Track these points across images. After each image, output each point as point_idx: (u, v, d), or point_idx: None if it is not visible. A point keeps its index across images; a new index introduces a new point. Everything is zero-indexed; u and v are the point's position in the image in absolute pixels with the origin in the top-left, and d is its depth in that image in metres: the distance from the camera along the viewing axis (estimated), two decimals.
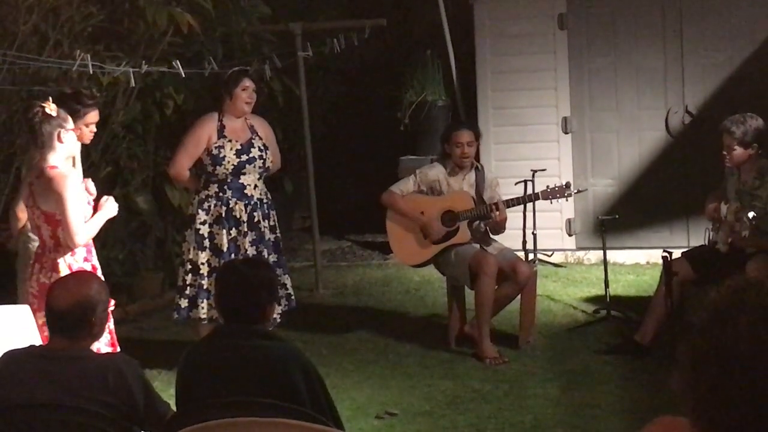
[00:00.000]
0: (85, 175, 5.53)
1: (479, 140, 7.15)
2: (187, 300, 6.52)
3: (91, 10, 7.54)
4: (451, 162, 7.02)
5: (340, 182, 12.02)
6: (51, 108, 5.02)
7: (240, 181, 6.50)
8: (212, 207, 6.50)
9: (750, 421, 1.87)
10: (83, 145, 5.98)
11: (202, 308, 6.47)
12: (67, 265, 5.08)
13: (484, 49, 9.77)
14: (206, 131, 6.53)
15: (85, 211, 5.09)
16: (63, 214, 4.93)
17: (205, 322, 6.47)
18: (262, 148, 6.58)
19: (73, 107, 5.57)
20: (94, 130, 5.86)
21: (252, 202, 6.51)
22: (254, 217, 6.50)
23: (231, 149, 6.48)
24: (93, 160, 7.87)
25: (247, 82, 6.56)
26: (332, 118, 11.84)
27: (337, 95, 12.03)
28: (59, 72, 7.09)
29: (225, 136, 6.51)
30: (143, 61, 7.37)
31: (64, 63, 6.90)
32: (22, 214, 5.59)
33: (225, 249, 6.44)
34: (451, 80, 10.50)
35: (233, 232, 6.47)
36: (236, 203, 6.48)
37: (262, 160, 6.55)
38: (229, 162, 6.47)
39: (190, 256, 6.51)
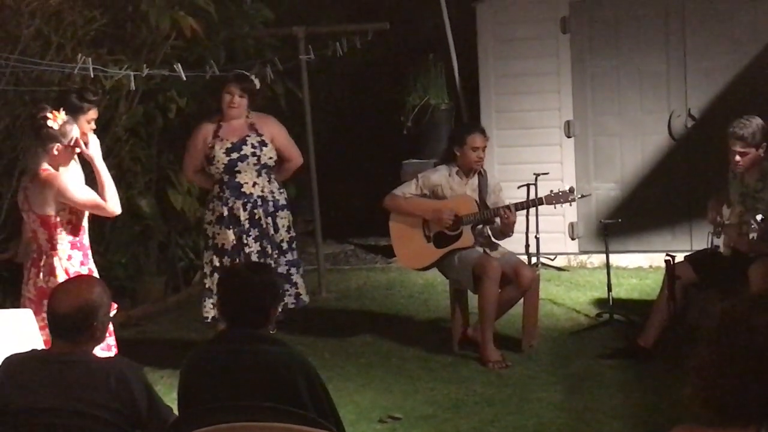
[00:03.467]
0: (88, 178, 5.54)
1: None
2: (210, 301, 6.56)
3: (93, 14, 7.55)
4: (456, 165, 7.01)
5: (343, 186, 12.01)
6: (55, 121, 5.05)
7: (236, 179, 6.54)
8: (215, 207, 6.59)
9: None
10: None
11: (205, 308, 6.54)
12: (63, 269, 5.09)
13: (486, 53, 9.76)
14: (202, 134, 6.64)
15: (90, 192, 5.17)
16: (77, 203, 5.03)
17: (208, 320, 6.53)
18: (257, 144, 6.57)
19: (76, 104, 5.64)
20: (94, 126, 5.89)
21: (252, 200, 6.54)
22: (255, 214, 6.53)
23: (221, 148, 6.54)
24: None
25: (232, 88, 6.55)
26: (335, 122, 11.85)
27: (340, 98, 12.04)
28: (62, 76, 7.10)
29: (218, 137, 6.58)
30: (145, 65, 7.38)
31: (66, 67, 6.91)
32: None
33: (230, 248, 6.50)
34: (454, 84, 10.51)
35: (237, 231, 6.51)
36: (235, 202, 6.52)
37: (255, 157, 6.55)
38: (219, 161, 6.53)
39: (204, 258, 6.67)
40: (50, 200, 5.05)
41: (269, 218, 6.58)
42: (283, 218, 6.67)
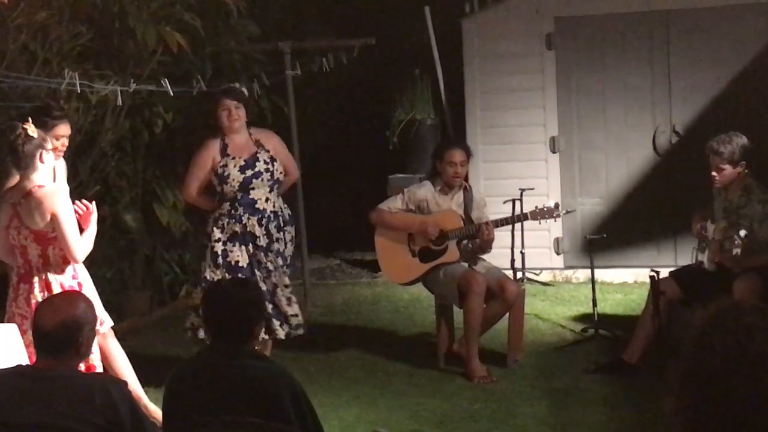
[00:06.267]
0: (73, 193, 5.54)
1: (470, 159, 7.15)
2: (200, 319, 6.54)
3: (80, 29, 7.57)
4: (440, 180, 7.03)
5: (330, 200, 12.02)
6: (32, 129, 5.05)
7: (250, 196, 6.51)
8: (226, 225, 6.53)
9: None
10: (72, 163, 5.99)
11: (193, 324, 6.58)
12: (59, 283, 5.08)
13: (472, 69, 9.80)
14: (210, 153, 6.56)
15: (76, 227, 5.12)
16: (60, 231, 4.97)
17: (200, 337, 6.54)
18: (268, 160, 6.56)
19: (41, 119, 5.58)
20: (66, 143, 5.88)
21: (266, 216, 6.53)
22: (270, 230, 6.53)
23: (235, 166, 6.49)
24: (82, 179, 7.88)
25: (227, 103, 6.51)
26: (321, 137, 11.86)
27: (326, 114, 12.06)
28: (48, 90, 7.10)
29: (228, 155, 6.52)
30: (131, 80, 7.38)
31: (52, 81, 6.91)
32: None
33: (244, 265, 6.49)
34: (440, 99, 10.54)
35: (251, 248, 6.50)
36: (249, 219, 6.50)
37: (269, 173, 6.54)
38: (234, 179, 6.48)
39: (206, 274, 6.55)
40: (47, 216, 5.03)
41: (281, 233, 6.61)
42: (290, 233, 6.71)
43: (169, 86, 7.19)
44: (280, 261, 6.59)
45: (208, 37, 8.70)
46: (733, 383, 1.90)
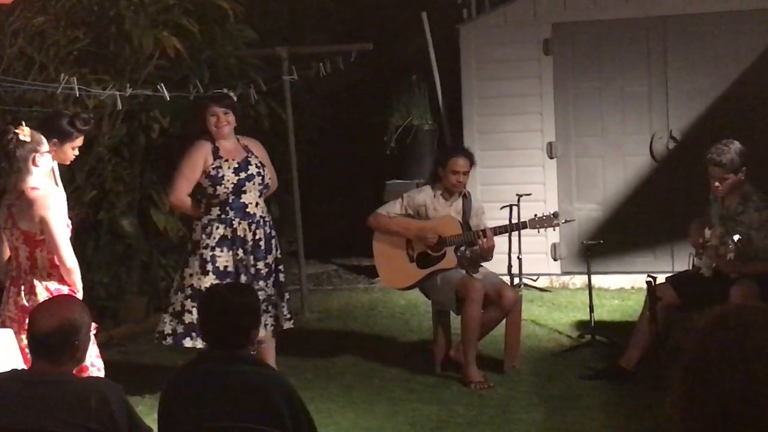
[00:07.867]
0: (71, 197, 5.52)
1: (473, 167, 7.13)
2: (183, 326, 6.46)
3: (77, 33, 7.57)
4: (441, 186, 7.02)
5: (326, 206, 12.02)
6: (25, 133, 5.04)
7: (241, 200, 6.48)
8: (214, 230, 6.46)
9: None
10: (68, 167, 5.97)
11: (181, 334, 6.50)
12: (44, 286, 5.06)
13: (469, 74, 9.80)
14: (201, 154, 6.51)
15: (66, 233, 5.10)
16: (50, 235, 4.95)
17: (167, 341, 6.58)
18: (259, 165, 6.56)
19: (67, 130, 5.57)
20: (77, 153, 5.86)
21: (255, 221, 6.50)
22: (256, 234, 6.49)
23: (229, 168, 6.47)
24: (78, 184, 7.87)
25: (215, 109, 6.50)
26: (318, 142, 11.86)
27: (324, 119, 12.06)
28: (45, 95, 7.09)
29: (221, 157, 6.49)
30: (128, 85, 7.37)
31: (49, 86, 6.90)
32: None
33: (232, 270, 6.43)
34: (437, 104, 10.54)
35: (240, 252, 6.45)
36: (239, 223, 6.46)
37: (260, 177, 6.53)
38: (228, 180, 6.44)
39: (192, 282, 6.44)
40: (36, 218, 5.03)
41: (267, 239, 6.55)
42: (276, 239, 6.67)
43: (165, 91, 7.18)
44: (266, 269, 6.49)
45: (205, 42, 8.70)
46: (727, 375, 1.92)
